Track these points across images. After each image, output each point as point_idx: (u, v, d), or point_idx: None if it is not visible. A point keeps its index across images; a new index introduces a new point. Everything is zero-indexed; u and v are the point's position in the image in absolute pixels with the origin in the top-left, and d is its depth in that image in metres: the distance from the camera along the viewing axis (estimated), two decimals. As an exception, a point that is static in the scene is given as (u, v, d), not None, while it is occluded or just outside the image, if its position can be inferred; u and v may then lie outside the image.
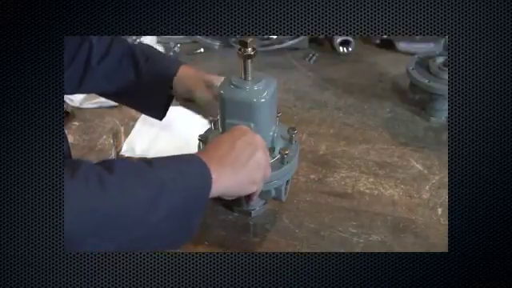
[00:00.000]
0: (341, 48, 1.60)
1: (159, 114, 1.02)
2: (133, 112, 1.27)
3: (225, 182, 0.70)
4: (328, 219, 0.98)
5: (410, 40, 1.58)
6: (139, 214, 0.61)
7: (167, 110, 1.02)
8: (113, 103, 1.26)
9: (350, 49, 1.60)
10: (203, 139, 0.92)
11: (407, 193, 1.04)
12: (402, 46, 1.59)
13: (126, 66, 0.95)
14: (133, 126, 1.26)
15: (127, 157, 1.16)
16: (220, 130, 0.88)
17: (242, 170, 0.73)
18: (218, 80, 0.92)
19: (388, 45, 1.62)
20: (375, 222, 0.97)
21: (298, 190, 1.05)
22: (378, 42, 1.65)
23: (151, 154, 1.16)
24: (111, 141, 1.21)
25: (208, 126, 0.97)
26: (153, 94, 0.97)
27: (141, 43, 0.98)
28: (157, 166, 0.64)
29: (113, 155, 1.16)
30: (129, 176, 0.61)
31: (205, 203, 0.69)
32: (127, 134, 1.24)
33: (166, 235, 0.65)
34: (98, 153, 1.18)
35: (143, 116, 1.25)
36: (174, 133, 1.22)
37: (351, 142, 1.20)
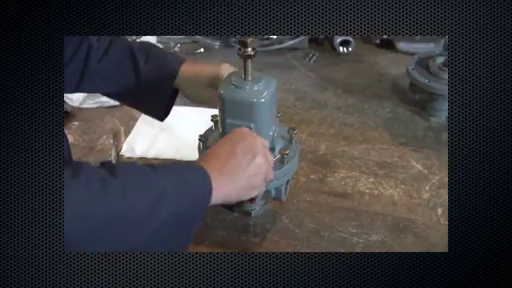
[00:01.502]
0: (341, 48, 1.61)
1: (160, 115, 1.01)
2: (133, 112, 1.27)
3: (224, 190, 0.72)
4: (328, 219, 0.98)
5: (409, 40, 1.58)
6: (139, 219, 0.62)
7: (169, 111, 1.01)
8: (113, 103, 1.26)
9: (350, 49, 1.60)
10: (203, 139, 0.92)
11: (407, 193, 1.04)
12: (402, 45, 1.59)
13: (125, 67, 0.94)
14: (133, 126, 1.26)
15: (127, 157, 1.16)
16: (220, 130, 0.88)
17: (242, 178, 0.74)
18: (223, 70, 0.92)
19: (388, 45, 1.62)
20: (375, 222, 0.97)
21: (298, 190, 1.05)
22: (377, 42, 1.65)
23: (151, 155, 1.16)
24: (111, 141, 1.21)
25: (208, 127, 0.97)
26: (153, 96, 0.97)
27: (141, 41, 0.96)
28: (160, 172, 0.66)
29: (113, 155, 1.16)
30: (131, 181, 0.63)
31: (204, 211, 0.71)
32: (127, 133, 1.24)
33: (164, 241, 0.66)
34: (97, 153, 1.18)
35: (143, 116, 1.25)
36: (174, 133, 1.22)
37: (351, 142, 1.20)
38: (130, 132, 1.25)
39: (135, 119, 1.28)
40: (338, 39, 1.60)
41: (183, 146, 1.16)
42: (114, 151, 1.17)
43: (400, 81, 1.43)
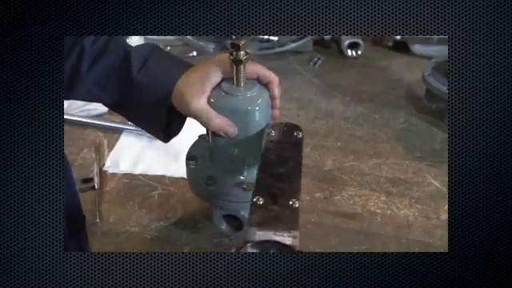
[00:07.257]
0: (349, 51, 1.64)
1: (161, 135, 0.99)
2: (118, 121, 1.30)
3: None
4: (335, 242, 1.03)
5: (425, 42, 1.59)
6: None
7: (174, 131, 0.99)
8: (99, 111, 1.33)
9: (360, 52, 1.64)
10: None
11: (423, 213, 1.09)
12: (417, 48, 1.62)
13: (118, 73, 0.94)
14: (117, 139, 1.31)
15: (111, 173, 1.22)
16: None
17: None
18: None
19: (402, 47, 1.65)
20: (388, 246, 1.01)
21: (302, 210, 1.05)
22: (390, 44, 1.68)
23: (138, 171, 1.22)
24: (93, 155, 1.26)
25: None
26: (148, 112, 0.96)
27: (144, 44, 0.99)
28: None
29: (95, 171, 1.21)
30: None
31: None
32: (111, 147, 1.29)
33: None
34: (78, 168, 1.22)
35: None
36: (164, 147, 1.20)
37: (361, 157, 1.25)
38: (114, 145, 1.30)
39: (120, 131, 1.33)
40: (346, 41, 1.62)
41: (173, 161, 1.22)
42: (96, 166, 1.22)
43: (415, 88, 1.47)
